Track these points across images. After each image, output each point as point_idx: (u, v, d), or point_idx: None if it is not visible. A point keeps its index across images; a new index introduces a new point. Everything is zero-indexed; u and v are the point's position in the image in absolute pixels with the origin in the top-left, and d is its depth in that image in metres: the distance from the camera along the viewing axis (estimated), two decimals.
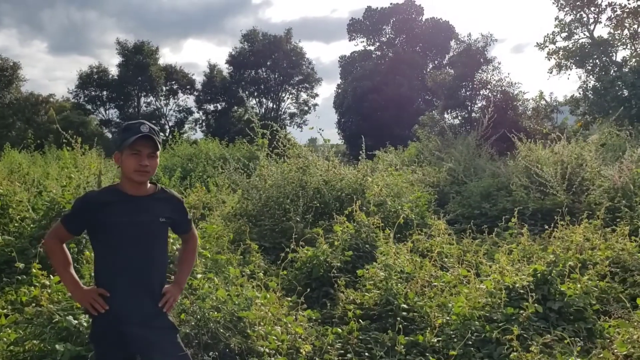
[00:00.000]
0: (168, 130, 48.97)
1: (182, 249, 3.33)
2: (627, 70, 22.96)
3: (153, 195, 3.00)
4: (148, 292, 2.93)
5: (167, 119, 52.91)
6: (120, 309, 2.86)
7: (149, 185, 3.01)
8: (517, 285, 5.24)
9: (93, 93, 50.99)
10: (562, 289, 5.24)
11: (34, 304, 4.69)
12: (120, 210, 2.88)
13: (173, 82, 53.13)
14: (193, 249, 3.33)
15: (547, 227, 7.58)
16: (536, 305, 4.80)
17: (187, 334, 4.06)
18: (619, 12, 24.99)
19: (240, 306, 4.41)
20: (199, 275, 4.75)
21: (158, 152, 2.98)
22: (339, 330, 4.81)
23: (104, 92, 51.01)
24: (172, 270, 3.74)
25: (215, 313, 4.28)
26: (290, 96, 55.02)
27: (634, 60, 23.93)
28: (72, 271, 2.98)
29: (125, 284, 2.87)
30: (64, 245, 3.00)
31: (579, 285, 5.36)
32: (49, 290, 4.66)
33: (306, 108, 55.25)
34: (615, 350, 4.13)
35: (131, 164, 2.87)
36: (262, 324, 4.46)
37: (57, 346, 3.87)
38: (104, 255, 2.94)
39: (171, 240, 4.95)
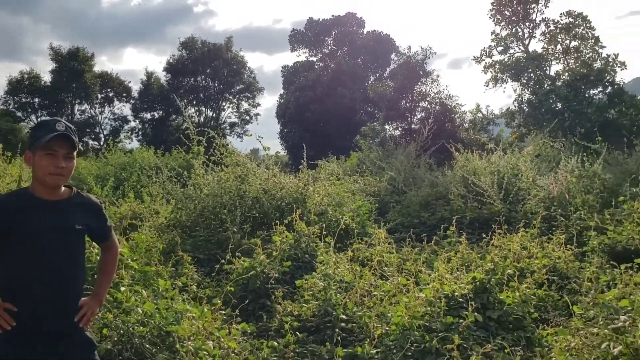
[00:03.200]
0: (103, 139, 47.45)
1: (102, 259, 3.05)
2: (560, 83, 23.82)
3: (68, 199, 2.73)
4: (62, 306, 2.65)
5: (102, 127, 51.28)
6: (30, 325, 2.57)
7: (63, 188, 2.73)
8: (456, 293, 5.17)
9: (24, 100, 48.79)
10: (501, 297, 5.21)
11: None
12: (31, 216, 2.60)
13: (109, 90, 51.46)
14: (113, 259, 3.05)
15: (484, 235, 7.61)
16: (476, 314, 4.72)
17: (108, 350, 3.76)
18: (552, 27, 26.01)
19: (168, 320, 4.13)
20: (124, 288, 4.44)
21: (75, 153, 2.71)
22: (275, 343, 4.60)
23: (36, 99, 48.87)
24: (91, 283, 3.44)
25: (141, 327, 4.00)
26: (231, 105, 54.34)
27: (566, 74, 24.85)
28: None
29: (35, 297, 2.59)
30: None
31: (517, 294, 5.34)
32: None
33: (247, 118, 54.63)
34: (554, 359, 4.09)
35: (45, 165, 2.60)
36: (192, 338, 4.19)
37: None
38: (10, 266, 2.63)
39: (96, 251, 4.62)
